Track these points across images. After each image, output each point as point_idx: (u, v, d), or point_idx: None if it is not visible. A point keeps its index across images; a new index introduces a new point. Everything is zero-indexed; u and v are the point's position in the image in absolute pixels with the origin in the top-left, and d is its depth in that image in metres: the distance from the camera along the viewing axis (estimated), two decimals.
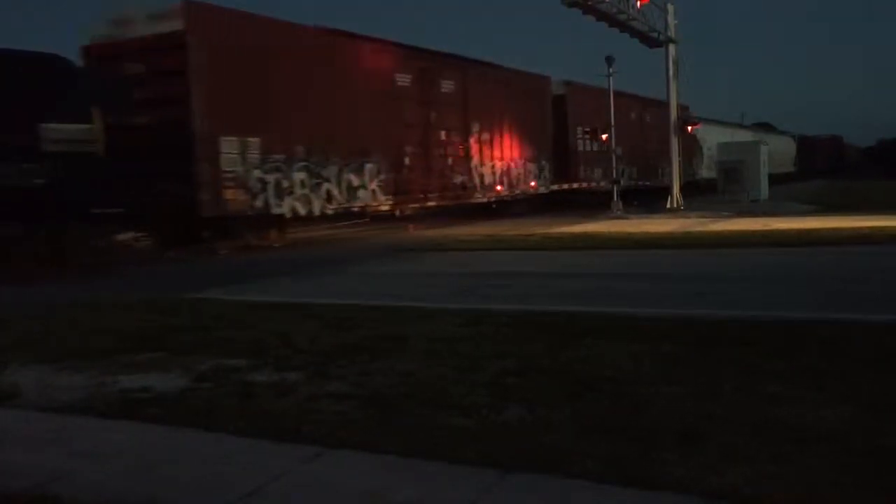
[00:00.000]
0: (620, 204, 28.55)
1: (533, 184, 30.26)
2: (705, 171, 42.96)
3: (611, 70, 29.63)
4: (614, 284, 10.80)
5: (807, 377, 5.25)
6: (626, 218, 25.66)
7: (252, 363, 6.36)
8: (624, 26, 27.50)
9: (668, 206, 28.94)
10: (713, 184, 34.70)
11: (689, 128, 31.34)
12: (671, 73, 29.71)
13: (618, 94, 31.67)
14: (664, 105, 31.67)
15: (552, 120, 31.47)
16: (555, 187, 31.61)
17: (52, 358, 6.80)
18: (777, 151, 53.20)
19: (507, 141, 28.58)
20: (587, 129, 32.02)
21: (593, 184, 33.59)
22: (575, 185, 32.64)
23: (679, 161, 30.72)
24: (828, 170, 74.79)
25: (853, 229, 16.42)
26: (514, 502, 3.64)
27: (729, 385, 5.15)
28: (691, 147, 39.51)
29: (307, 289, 11.56)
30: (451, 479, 3.88)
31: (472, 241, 18.21)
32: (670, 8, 29.81)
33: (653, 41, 29.41)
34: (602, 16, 26.36)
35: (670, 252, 14.96)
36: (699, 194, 35.28)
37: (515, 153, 29.11)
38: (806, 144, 72.53)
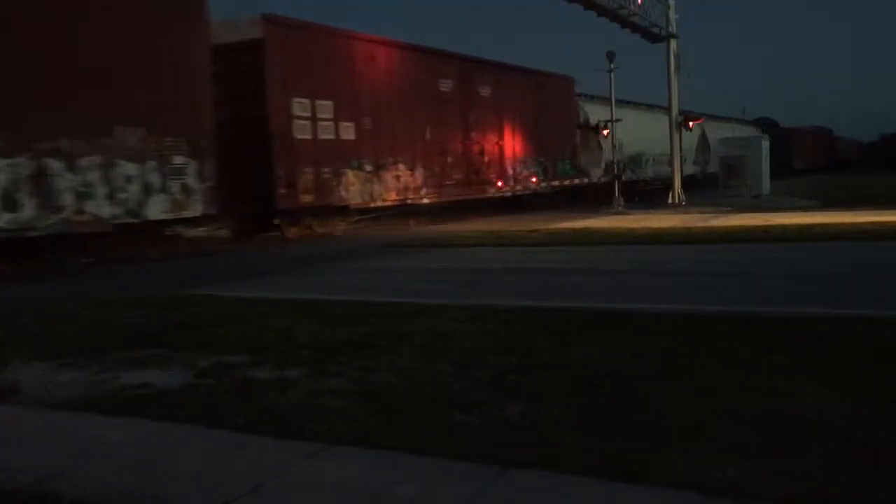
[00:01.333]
0: (622, 199, 28.52)
1: (151, 200, 15.22)
2: (601, 172, 33.24)
3: (612, 65, 29.43)
4: (616, 280, 10.79)
5: (808, 372, 5.24)
6: (628, 213, 25.66)
7: (252, 359, 6.35)
8: (625, 22, 27.49)
9: (670, 201, 29.05)
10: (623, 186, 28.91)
11: (690, 124, 30.73)
12: (672, 67, 29.67)
13: (434, 53, 23.69)
14: (542, 76, 28.73)
15: (219, 81, 16.76)
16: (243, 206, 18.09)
17: (53, 355, 6.79)
18: None
19: (38, 115, 13.21)
20: (340, 103, 20.23)
21: (342, 195, 20.58)
22: (283, 205, 18.88)
23: (680, 157, 30.65)
24: (815, 167, 67.74)
25: (856, 224, 16.39)
26: (514, 499, 3.63)
27: (730, 380, 5.14)
28: (587, 142, 31.80)
29: (307, 285, 11.55)
30: (451, 476, 3.87)
31: (473, 237, 18.19)
32: (671, 3, 29.77)
33: (654, 36, 29.37)
34: (603, 11, 26.34)
35: (671, 248, 14.94)
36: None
37: (83, 145, 13.93)
38: (781, 137, 60.14)
